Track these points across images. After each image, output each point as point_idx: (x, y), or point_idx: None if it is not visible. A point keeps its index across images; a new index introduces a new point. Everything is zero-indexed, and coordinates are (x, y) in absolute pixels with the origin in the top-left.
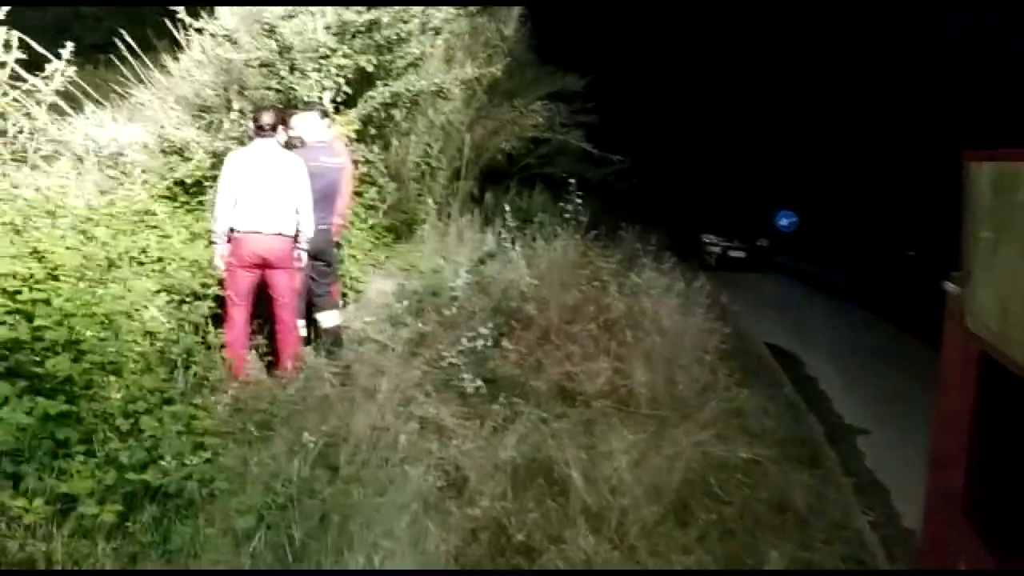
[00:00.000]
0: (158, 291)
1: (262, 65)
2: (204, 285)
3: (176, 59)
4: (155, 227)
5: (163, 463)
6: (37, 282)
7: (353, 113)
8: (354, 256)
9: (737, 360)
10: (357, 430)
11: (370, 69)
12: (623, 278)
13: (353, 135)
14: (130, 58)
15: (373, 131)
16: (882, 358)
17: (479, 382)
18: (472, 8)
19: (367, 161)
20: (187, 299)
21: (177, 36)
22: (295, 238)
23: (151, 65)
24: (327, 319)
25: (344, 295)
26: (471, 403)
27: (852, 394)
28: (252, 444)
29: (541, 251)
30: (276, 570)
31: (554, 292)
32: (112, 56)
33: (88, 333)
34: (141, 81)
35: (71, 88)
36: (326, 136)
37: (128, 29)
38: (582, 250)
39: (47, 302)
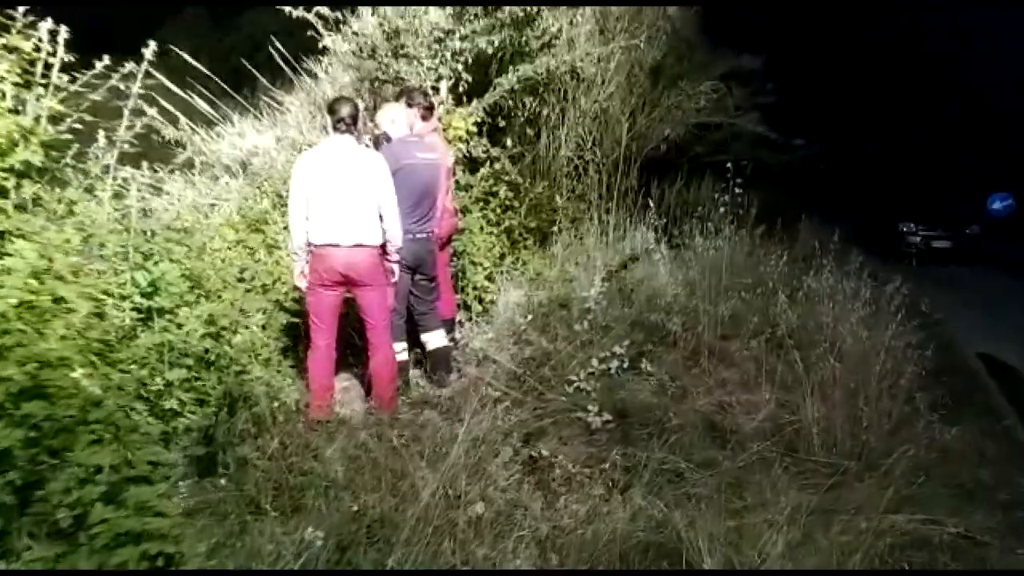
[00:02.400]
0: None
1: (370, 55)
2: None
3: (320, 62)
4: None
5: None
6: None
7: (475, 104)
8: (479, 264)
9: (942, 384)
10: (429, 491)
11: (490, 51)
12: (796, 282)
13: (473, 128)
14: (282, 64)
15: (502, 123)
16: None
17: (606, 415)
18: None
19: (492, 158)
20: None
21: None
22: (382, 249)
23: (300, 71)
24: (432, 340)
25: (467, 307)
26: (595, 442)
27: None
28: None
29: (699, 252)
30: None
31: (708, 301)
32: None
33: None
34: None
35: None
36: (423, 129)
37: (280, 37)
38: (748, 249)
39: None
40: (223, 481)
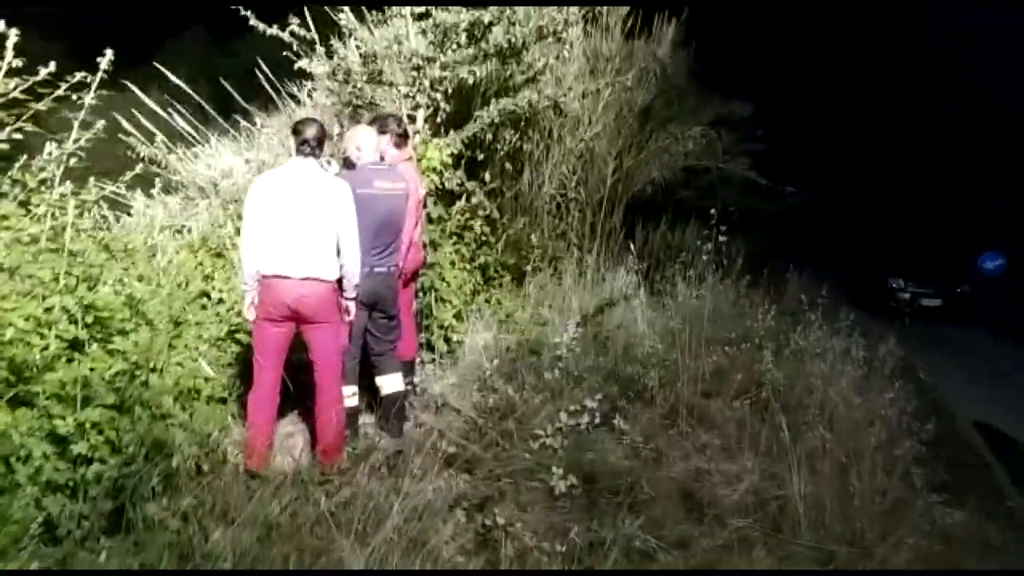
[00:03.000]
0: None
1: (343, 78)
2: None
3: (303, 86)
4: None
5: None
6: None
7: (452, 135)
8: (447, 301)
9: (941, 459)
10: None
11: (471, 81)
12: (783, 338)
13: (448, 160)
14: (266, 86)
15: (481, 156)
16: None
17: (572, 479)
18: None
19: (467, 192)
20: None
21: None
22: (338, 284)
23: (284, 94)
24: (388, 384)
25: (431, 347)
26: (559, 510)
27: None
28: None
29: (681, 300)
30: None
31: (689, 354)
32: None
33: None
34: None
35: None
36: (395, 157)
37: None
38: (733, 299)
39: None
40: (128, 542)
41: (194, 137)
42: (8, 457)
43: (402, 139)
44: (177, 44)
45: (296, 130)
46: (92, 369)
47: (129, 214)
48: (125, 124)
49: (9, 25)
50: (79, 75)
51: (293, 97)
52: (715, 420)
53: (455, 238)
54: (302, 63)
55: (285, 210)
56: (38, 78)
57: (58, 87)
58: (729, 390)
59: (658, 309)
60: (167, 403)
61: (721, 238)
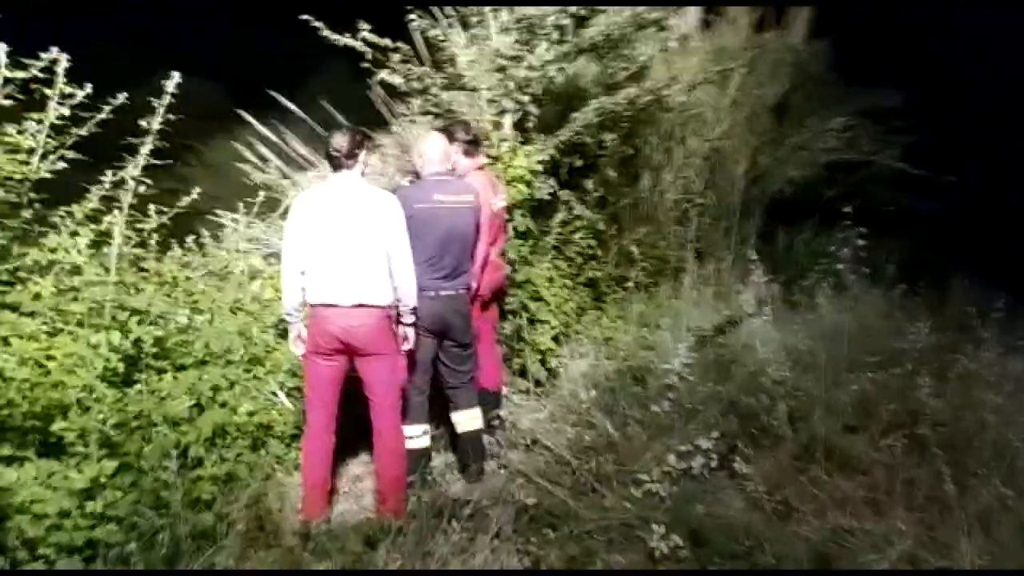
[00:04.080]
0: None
1: (419, 88)
2: None
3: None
4: None
5: None
6: None
7: (543, 141)
8: (544, 322)
9: None
10: None
11: (562, 81)
12: (946, 360)
13: (537, 167)
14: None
15: (580, 163)
16: None
17: (676, 539)
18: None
19: (562, 202)
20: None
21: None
22: (392, 309)
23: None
24: (464, 421)
25: (523, 375)
26: None
27: None
28: None
29: (821, 314)
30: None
31: (827, 381)
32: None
33: None
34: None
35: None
36: (465, 167)
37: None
38: (884, 312)
39: None
40: None
41: (309, 162)
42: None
43: (472, 146)
44: (322, 78)
45: (326, 142)
46: (125, 410)
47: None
48: (247, 154)
49: (178, 67)
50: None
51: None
52: (859, 464)
53: (552, 253)
54: (382, 75)
55: (327, 231)
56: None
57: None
58: (877, 426)
59: (792, 327)
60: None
61: (860, 241)
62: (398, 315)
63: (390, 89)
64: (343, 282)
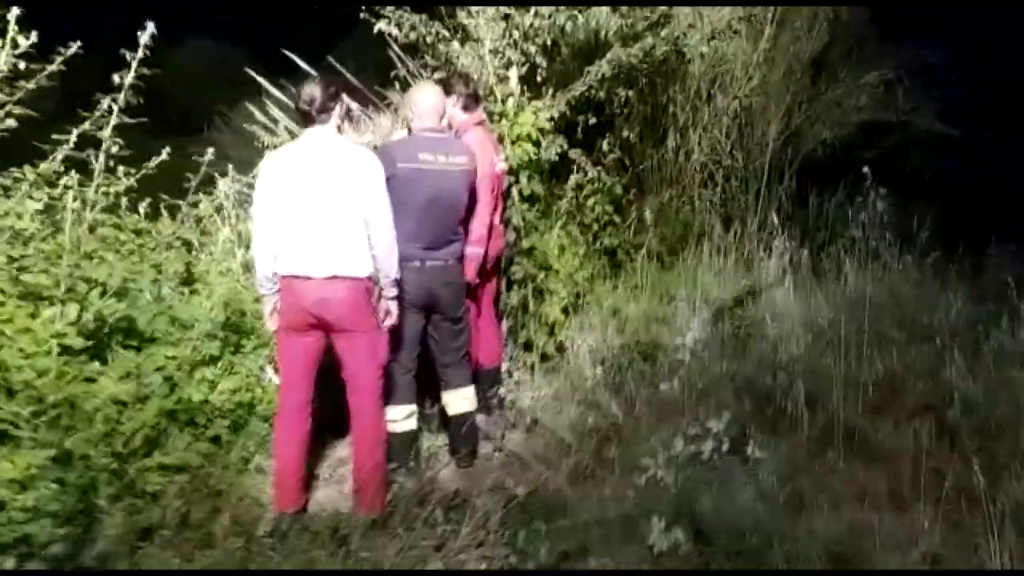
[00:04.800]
0: None
1: (409, 34)
2: None
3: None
4: None
5: None
6: None
7: (554, 96)
8: (555, 292)
9: None
10: None
11: (569, 29)
12: (981, 335)
13: (546, 125)
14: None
15: (593, 120)
16: None
17: (678, 534)
18: None
19: (573, 162)
20: None
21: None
22: (371, 281)
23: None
24: (455, 402)
25: (527, 348)
26: None
27: None
28: None
29: (848, 283)
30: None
31: (848, 359)
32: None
33: None
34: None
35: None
36: (463, 123)
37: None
38: (914, 282)
39: None
40: None
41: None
42: None
43: (472, 101)
44: (350, 42)
45: (296, 94)
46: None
47: None
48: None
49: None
50: None
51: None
52: (881, 451)
53: (566, 218)
54: (379, 25)
55: (297, 194)
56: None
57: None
58: (902, 409)
59: (816, 297)
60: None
61: (890, 205)
62: (379, 288)
63: (406, 47)
64: (315, 251)
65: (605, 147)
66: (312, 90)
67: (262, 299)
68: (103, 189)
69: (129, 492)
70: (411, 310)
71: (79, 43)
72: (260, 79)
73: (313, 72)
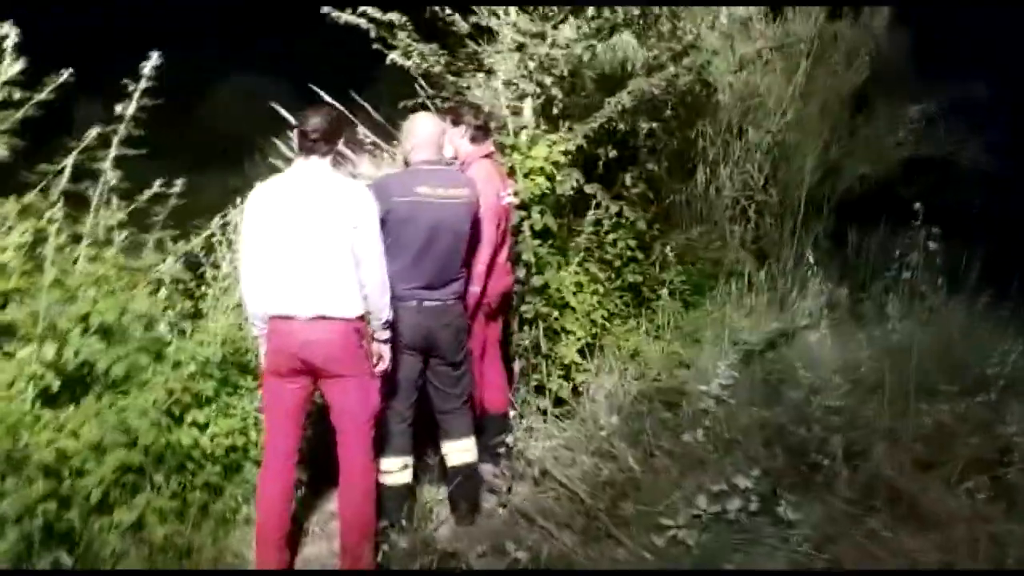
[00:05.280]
0: None
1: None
2: None
3: None
4: None
5: None
6: None
7: (571, 128)
8: (571, 333)
9: None
10: None
11: (589, 59)
12: None
13: (561, 158)
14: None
15: (613, 152)
16: None
17: None
18: None
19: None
20: None
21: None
22: (361, 322)
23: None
24: (456, 452)
25: (540, 392)
26: None
27: None
28: None
29: (891, 327)
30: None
31: (893, 411)
32: None
33: None
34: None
35: None
36: (469, 154)
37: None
38: (964, 327)
39: None
40: None
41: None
42: None
43: (480, 132)
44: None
45: (299, 122)
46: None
47: None
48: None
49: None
50: None
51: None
52: (931, 514)
53: (584, 254)
54: (393, 56)
55: (284, 228)
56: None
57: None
58: (954, 466)
59: (856, 341)
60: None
61: (936, 244)
62: (361, 328)
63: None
64: (300, 290)
65: (628, 181)
66: (319, 120)
67: (257, 340)
68: (105, 221)
69: (88, 554)
70: (407, 353)
71: (71, 70)
72: (284, 113)
73: (334, 103)
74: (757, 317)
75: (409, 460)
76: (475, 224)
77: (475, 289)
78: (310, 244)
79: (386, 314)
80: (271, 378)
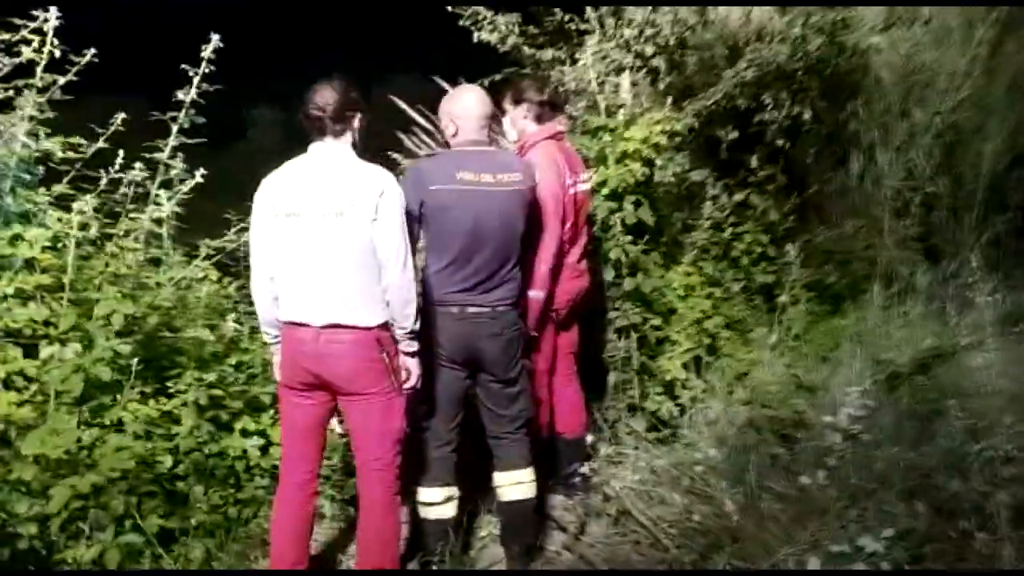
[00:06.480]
0: None
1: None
2: None
3: None
4: None
5: None
6: None
7: (687, 107)
8: (676, 344)
9: None
10: None
11: (676, 30)
12: None
13: (662, 140)
14: None
15: (734, 134)
16: None
17: None
18: None
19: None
20: None
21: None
22: (383, 331)
23: None
24: (509, 485)
25: (632, 410)
26: None
27: None
28: None
29: None
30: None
31: None
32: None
33: None
34: None
35: None
36: (532, 135)
37: None
38: None
39: None
40: None
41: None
42: None
43: (546, 109)
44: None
45: (305, 99)
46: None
47: None
48: None
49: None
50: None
51: None
52: None
53: (697, 252)
54: (482, 35)
55: (297, 223)
56: None
57: None
58: None
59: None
60: None
61: None
62: (382, 337)
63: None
64: (313, 293)
65: (755, 163)
66: (328, 95)
67: (271, 348)
68: (154, 214)
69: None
70: (448, 367)
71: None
72: (402, 105)
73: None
74: (910, 331)
75: (454, 492)
76: (533, 216)
77: (537, 294)
78: (323, 240)
79: (411, 323)
80: (285, 392)
